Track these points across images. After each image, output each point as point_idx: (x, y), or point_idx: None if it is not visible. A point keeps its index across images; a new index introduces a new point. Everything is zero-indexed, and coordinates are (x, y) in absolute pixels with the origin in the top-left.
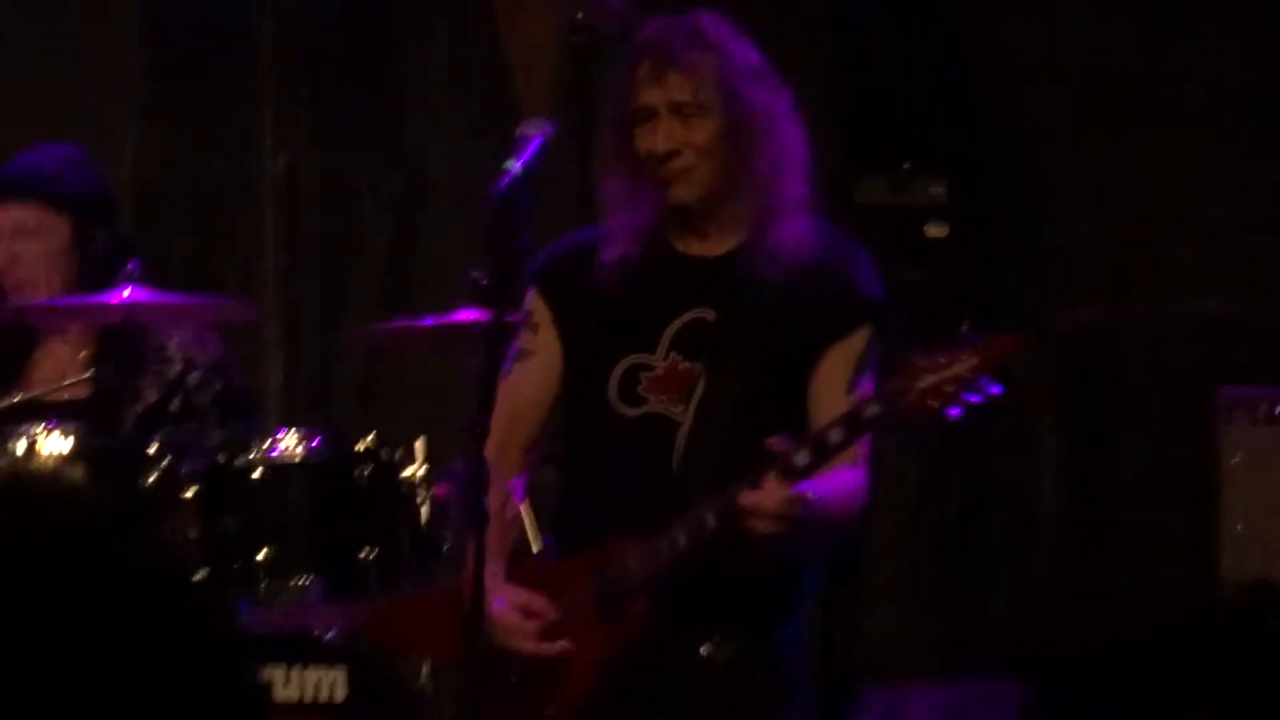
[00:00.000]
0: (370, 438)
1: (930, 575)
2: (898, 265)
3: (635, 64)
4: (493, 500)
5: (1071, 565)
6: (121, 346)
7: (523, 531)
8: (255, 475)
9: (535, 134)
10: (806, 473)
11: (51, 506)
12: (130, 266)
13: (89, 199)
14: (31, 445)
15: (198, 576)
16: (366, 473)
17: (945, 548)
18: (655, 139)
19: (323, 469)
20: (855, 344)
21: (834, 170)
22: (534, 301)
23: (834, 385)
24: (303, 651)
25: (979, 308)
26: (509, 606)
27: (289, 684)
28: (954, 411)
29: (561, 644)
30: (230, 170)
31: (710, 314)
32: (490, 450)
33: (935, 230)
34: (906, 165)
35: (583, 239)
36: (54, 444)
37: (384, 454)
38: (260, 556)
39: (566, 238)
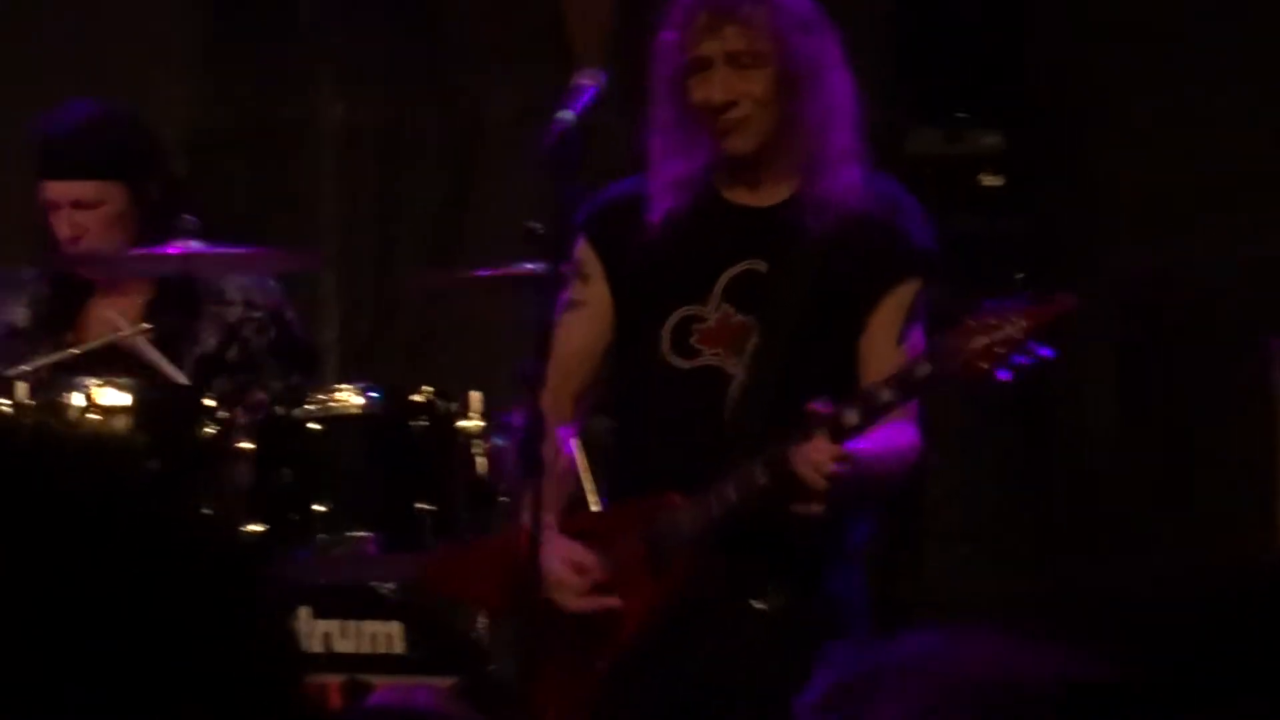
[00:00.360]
0: (426, 390)
1: (991, 521)
2: (952, 215)
3: (691, 15)
4: (546, 451)
5: (1129, 513)
6: (179, 295)
7: (578, 483)
8: (312, 427)
9: (589, 84)
10: (856, 431)
11: (78, 465)
12: (186, 218)
13: (140, 159)
14: (87, 398)
15: (252, 531)
16: (422, 425)
17: (1006, 495)
18: (711, 89)
19: (379, 421)
20: (905, 295)
21: (888, 120)
22: (584, 251)
23: (885, 337)
24: (360, 605)
25: (1034, 257)
26: (560, 561)
27: (346, 637)
28: (1004, 374)
29: (608, 600)
30: (287, 119)
31: (762, 265)
32: (544, 400)
33: (990, 180)
34: (961, 115)
35: (630, 188)
36: (109, 396)
37: (440, 406)
38: (317, 508)
39: (614, 187)
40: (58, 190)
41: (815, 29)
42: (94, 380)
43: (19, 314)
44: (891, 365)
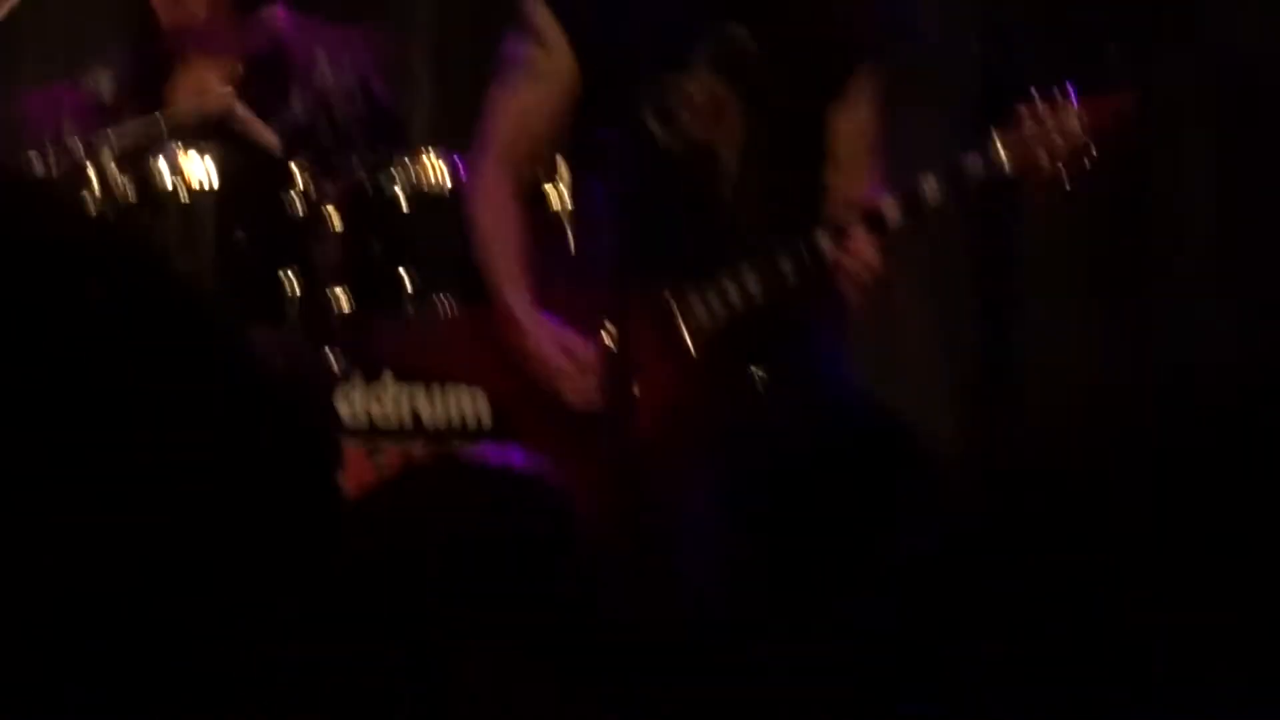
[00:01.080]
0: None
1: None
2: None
3: None
4: (502, 221)
5: (1223, 290)
6: (268, 64)
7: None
8: (399, 199)
9: None
10: (896, 226)
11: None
12: None
13: None
14: (173, 166)
15: (343, 308)
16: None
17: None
18: None
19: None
20: (877, 66)
21: None
22: (542, 13)
23: (861, 106)
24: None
25: (1129, 27)
26: (555, 346)
27: (434, 408)
28: (1065, 173)
29: (616, 390)
30: None
31: (743, 31)
32: (496, 165)
33: None
34: None
35: None
36: (196, 165)
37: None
38: (404, 278)
39: None
40: None
41: None
42: (179, 146)
43: (104, 86)
44: (867, 124)
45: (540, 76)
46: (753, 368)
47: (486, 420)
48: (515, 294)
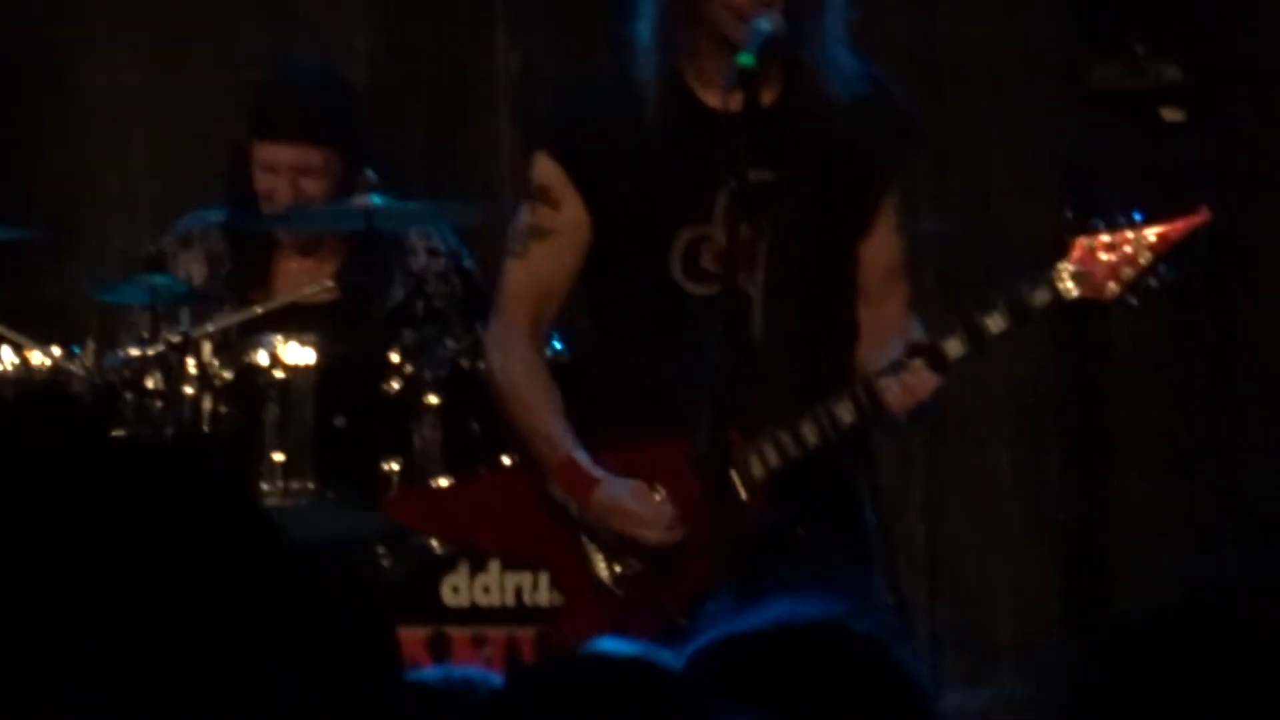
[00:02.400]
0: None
1: (1180, 448)
2: (1133, 149)
3: None
4: (545, 385)
5: None
6: (369, 252)
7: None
8: None
9: (767, 27)
10: (960, 362)
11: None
12: (368, 173)
13: (356, 128)
14: (273, 356)
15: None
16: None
17: (1193, 420)
18: None
19: (563, 370)
20: (898, 187)
21: (1067, 54)
22: (549, 172)
23: (888, 228)
24: None
25: (1216, 190)
26: (631, 495)
27: (539, 589)
28: (1132, 298)
29: (685, 531)
30: (464, 68)
31: (767, 174)
32: (517, 331)
33: (1171, 114)
34: (1140, 48)
35: (597, 93)
36: (295, 354)
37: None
38: (505, 461)
39: (575, 93)
40: (282, 154)
41: None
42: (279, 337)
43: (194, 270)
44: (895, 253)
45: (550, 235)
46: (798, 528)
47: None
48: (576, 450)
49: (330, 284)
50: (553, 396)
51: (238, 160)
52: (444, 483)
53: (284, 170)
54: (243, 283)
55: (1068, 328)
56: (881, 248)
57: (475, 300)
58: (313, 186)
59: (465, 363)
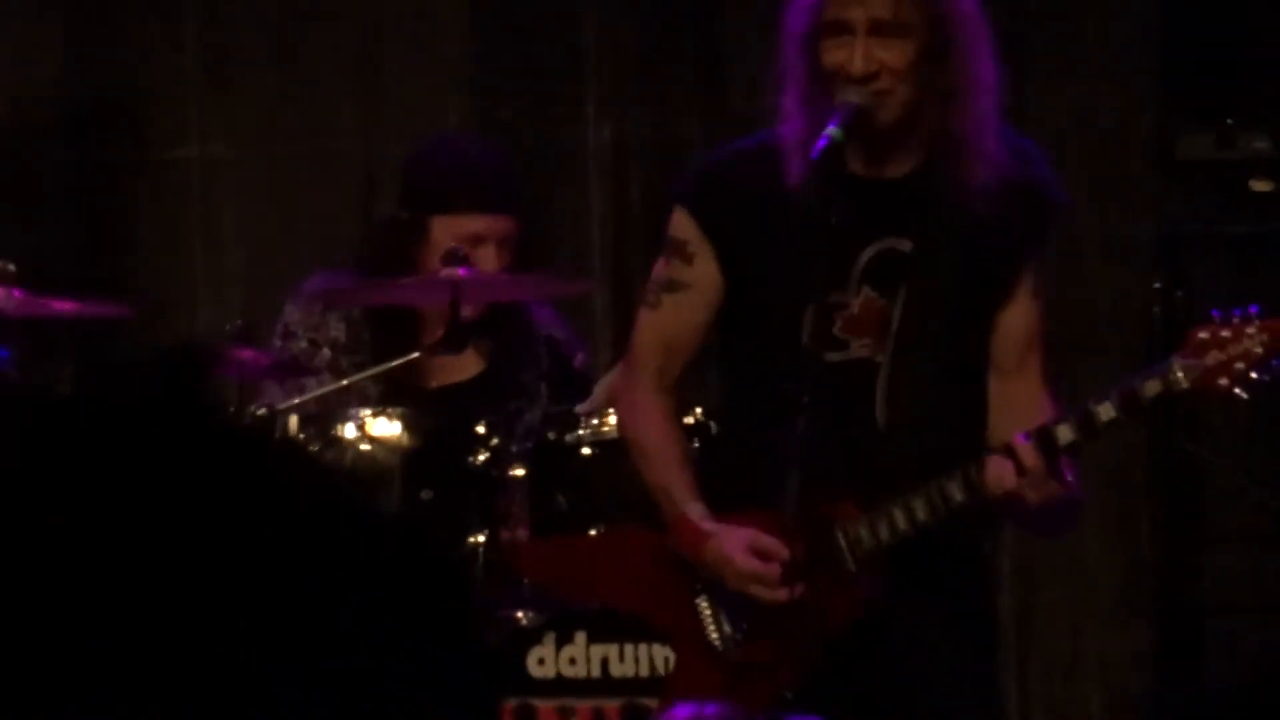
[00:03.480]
0: (698, 411)
1: (1273, 519)
2: (1223, 221)
3: None
4: (672, 438)
5: None
6: (505, 332)
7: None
8: (585, 452)
9: (854, 100)
10: (1070, 450)
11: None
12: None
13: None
14: (359, 428)
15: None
16: (695, 445)
17: None
18: (851, 58)
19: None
20: (1040, 256)
21: (1157, 125)
22: (686, 226)
23: (1027, 303)
24: (637, 627)
25: None
26: (746, 550)
27: (624, 661)
28: (1242, 392)
29: (804, 588)
30: (555, 140)
31: (905, 244)
32: (648, 385)
33: (1260, 185)
34: (1230, 120)
35: (738, 156)
36: (381, 427)
37: (713, 427)
38: (590, 532)
39: (718, 154)
40: (486, 225)
41: None
42: (366, 411)
43: (338, 331)
44: (1033, 321)
45: (682, 288)
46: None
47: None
48: (692, 505)
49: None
50: (676, 450)
51: (395, 233)
52: (590, 532)
53: (492, 242)
54: (386, 351)
55: None
56: (1019, 316)
57: (562, 371)
58: (502, 256)
59: (551, 434)
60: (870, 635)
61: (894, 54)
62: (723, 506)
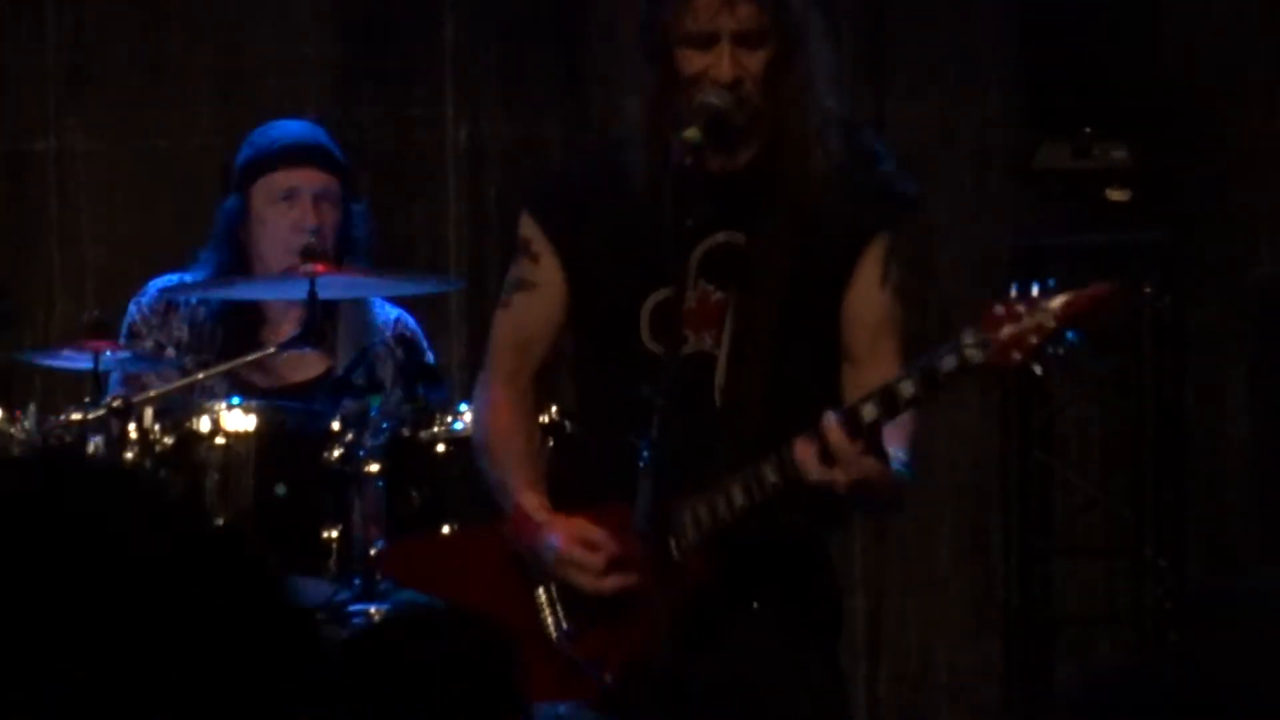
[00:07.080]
0: (553, 410)
1: (1124, 531)
2: (1080, 230)
3: None
4: (516, 433)
5: (1265, 523)
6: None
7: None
8: (440, 449)
9: (714, 102)
10: (874, 427)
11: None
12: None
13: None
14: (214, 422)
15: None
16: (550, 445)
17: (1136, 504)
18: (719, 66)
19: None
20: (884, 243)
21: (1015, 135)
22: (530, 228)
23: (870, 288)
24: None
25: (1162, 272)
26: (571, 539)
27: None
28: (1034, 364)
29: (631, 578)
30: (414, 141)
31: (739, 237)
32: (499, 383)
33: (1117, 195)
34: (1087, 129)
35: (585, 158)
36: (236, 420)
37: (568, 426)
38: (445, 530)
39: (567, 159)
40: (305, 178)
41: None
42: (221, 405)
43: (179, 336)
44: (881, 309)
45: (531, 287)
46: (754, 602)
47: None
48: (526, 495)
49: (272, 350)
50: (517, 443)
51: (225, 221)
52: (444, 530)
53: (306, 194)
54: (233, 349)
55: (1013, 410)
56: (865, 303)
57: (417, 369)
58: (330, 213)
59: (406, 431)
60: (708, 628)
61: (754, 61)
62: (578, 504)
